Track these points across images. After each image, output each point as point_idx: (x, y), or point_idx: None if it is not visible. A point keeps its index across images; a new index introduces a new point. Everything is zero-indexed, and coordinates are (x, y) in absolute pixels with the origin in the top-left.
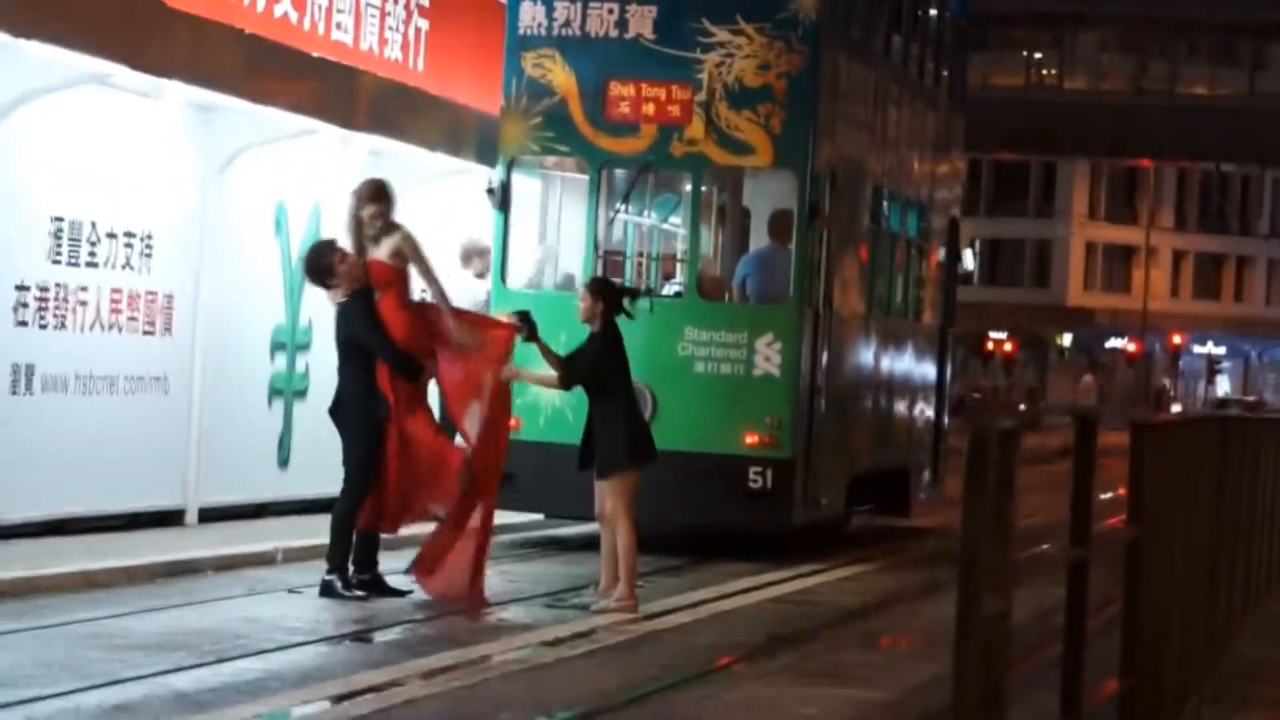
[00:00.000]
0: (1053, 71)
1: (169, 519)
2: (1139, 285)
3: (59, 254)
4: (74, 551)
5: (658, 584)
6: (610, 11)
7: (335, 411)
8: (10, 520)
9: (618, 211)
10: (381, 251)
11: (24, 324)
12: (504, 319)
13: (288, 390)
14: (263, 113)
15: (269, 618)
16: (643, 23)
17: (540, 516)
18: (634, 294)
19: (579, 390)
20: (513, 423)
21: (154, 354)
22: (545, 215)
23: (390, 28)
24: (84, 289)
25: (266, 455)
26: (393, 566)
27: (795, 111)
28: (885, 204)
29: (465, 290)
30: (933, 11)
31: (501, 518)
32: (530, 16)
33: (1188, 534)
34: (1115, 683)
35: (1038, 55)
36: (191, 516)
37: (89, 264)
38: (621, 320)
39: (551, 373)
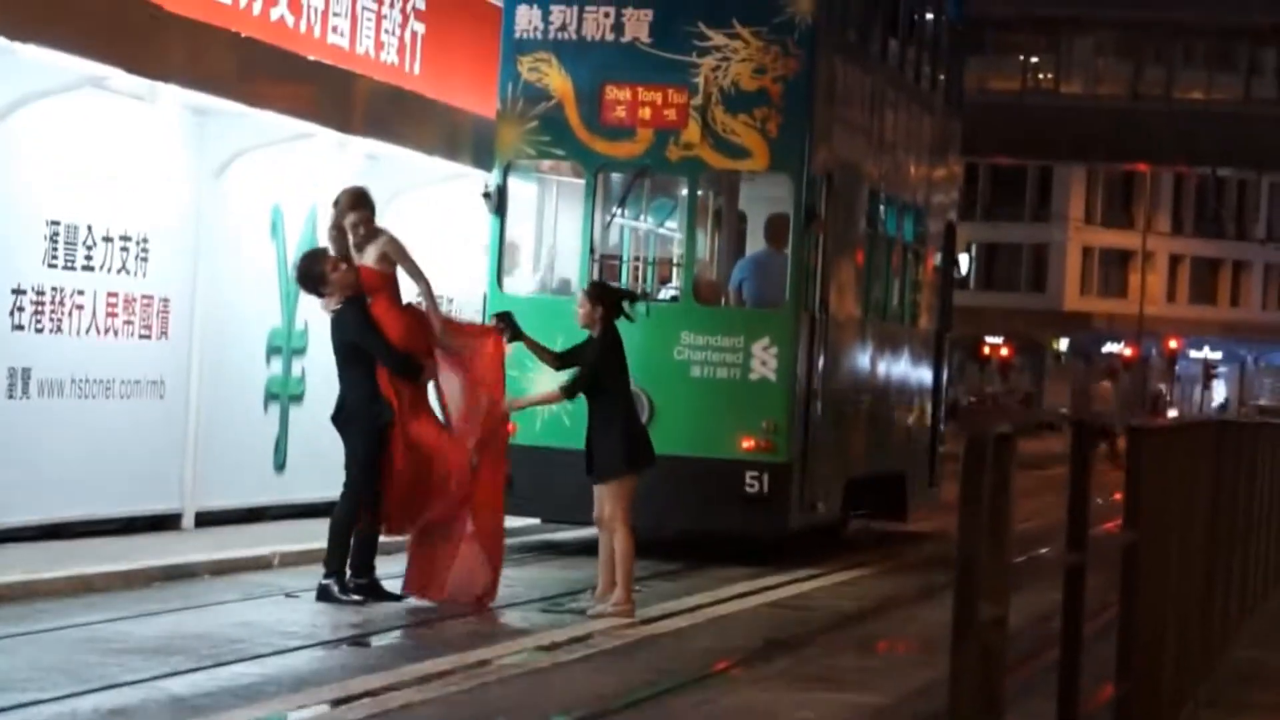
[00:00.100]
0: (1049, 76)
1: (165, 523)
2: (1135, 290)
3: (55, 257)
4: (70, 556)
5: (654, 588)
6: (606, 15)
7: (338, 418)
8: (7, 524)
9: (614, 216)
10: (368, 257)
11: (20, 328)
12: (487, 325)
13: (284, 394)
14: (259, 116)
15: (265, 622)
16: (639, 26)
17: (536, 521)
18: (632, 297)
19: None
20: (509, 427)
21: (150, 358)
22: (541, 219)
23: (386, 31)
24: (80, 292)
25: (263, 459)
26: (390, 571)
27: (791, 115)
28: (882, 208)
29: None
30: (929, 15)
31: None
32: (526, 20)
33: (1184, 538)
34: (1112, 687)
35: (1034, 59)
36: (188, 521)
37: (85, 267)
38: (619, 324)
39: (551, 391)
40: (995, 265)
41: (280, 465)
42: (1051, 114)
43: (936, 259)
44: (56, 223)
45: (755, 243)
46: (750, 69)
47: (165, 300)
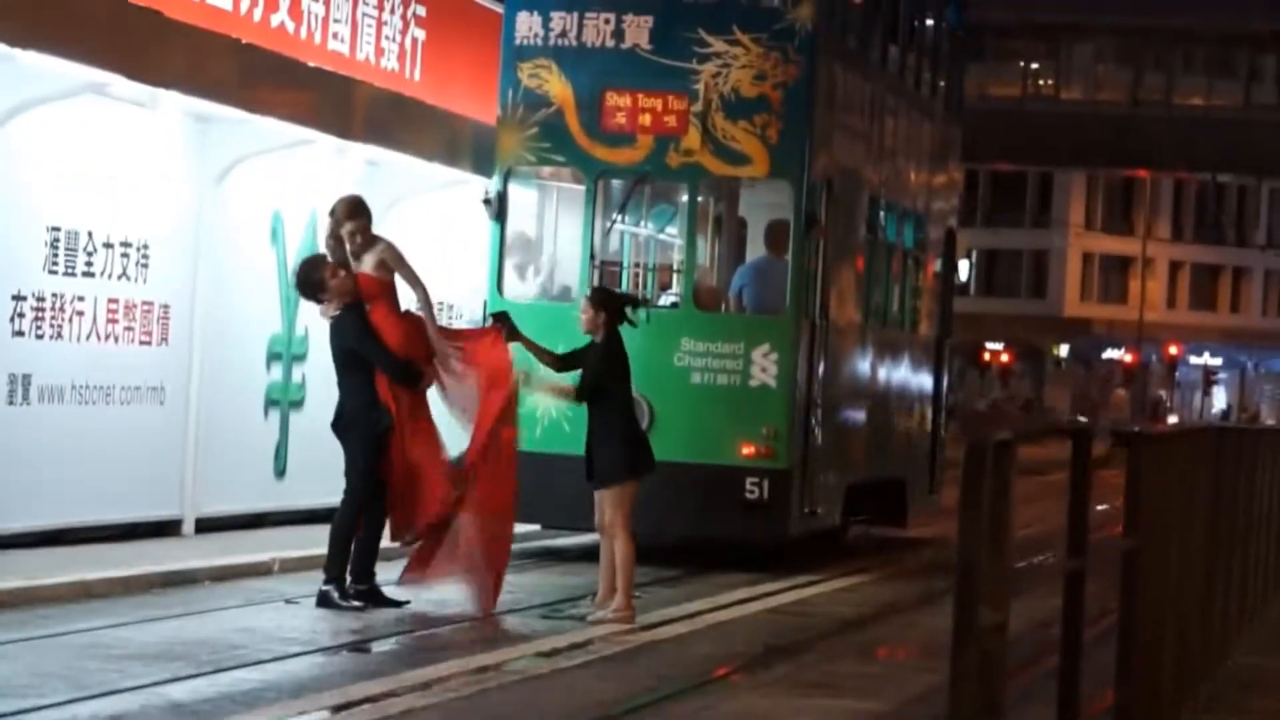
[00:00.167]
0: (1049, 82)
1: (166, 529)
2: (1136, 296)
3: (56, 264)
4: (71, 562)
5: (654, 595)
6: (607, 21)
7: (337, 425)
8: (7, 530)
9: (614, 222)
10: (366, 265)
11: (21, 334)
12: (485, 327)
13: (284, 400)
14: (259, 123)
15: (266, 628)
16: (639, 33)
17: (537, 527)
18: (635, 302)
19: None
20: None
21: (150, 364)
22: (542, 226)
23: (387, 37)
24: (81, 299)
25: (263, 465)
26: (390, 578)
27: (791, 122)
28: (882, 214)
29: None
30: (929, 22)
31: None
32: (527, 27)
33: (1184, 544)
34: (1112, 693)
35: (1034, 66)
36: (188, 527)
37: (86, 274)
38: (621, 329)
39: (566, 384)
40: (995, 271)
41: (280, 471)
42: (1052, 120)
43: (937, 265)
44: (57, 229)
45: (755, 249)
46: (750, 75)
47: (166, 306)
